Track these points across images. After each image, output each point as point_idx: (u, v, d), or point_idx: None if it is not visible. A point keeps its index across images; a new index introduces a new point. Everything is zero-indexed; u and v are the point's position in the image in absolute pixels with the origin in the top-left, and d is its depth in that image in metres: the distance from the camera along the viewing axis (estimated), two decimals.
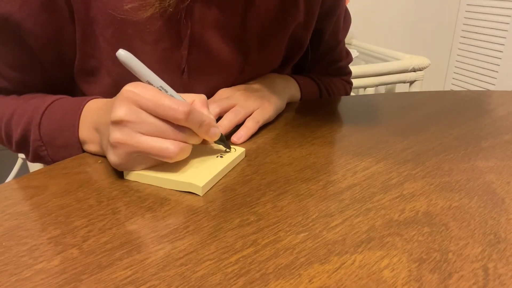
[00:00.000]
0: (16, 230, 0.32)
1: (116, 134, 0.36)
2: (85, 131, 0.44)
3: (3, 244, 0.30)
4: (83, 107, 0.46)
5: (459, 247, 0.30)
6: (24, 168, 1.29)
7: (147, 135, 0.36)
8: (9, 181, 0.39)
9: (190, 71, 0.52)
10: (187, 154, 0.38)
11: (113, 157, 0.37)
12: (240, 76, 0.57)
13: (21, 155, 1.25)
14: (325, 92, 0.70)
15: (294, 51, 0.63)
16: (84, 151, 0.46)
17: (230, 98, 0.52)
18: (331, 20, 0.65)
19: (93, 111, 0.45)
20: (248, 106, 0.51)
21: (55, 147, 0.47)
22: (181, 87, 0.52)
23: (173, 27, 0.48)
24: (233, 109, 0.50)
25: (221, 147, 0.44)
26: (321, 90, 0.69)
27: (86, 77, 0.52)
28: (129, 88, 0.36)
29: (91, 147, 0.44)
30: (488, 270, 0.28)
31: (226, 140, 0.43)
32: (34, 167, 1.26)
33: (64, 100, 0.49)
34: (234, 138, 0.48)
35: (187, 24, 0.49)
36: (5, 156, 1.41)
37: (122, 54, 0.36)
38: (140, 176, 0.39)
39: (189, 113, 0.36)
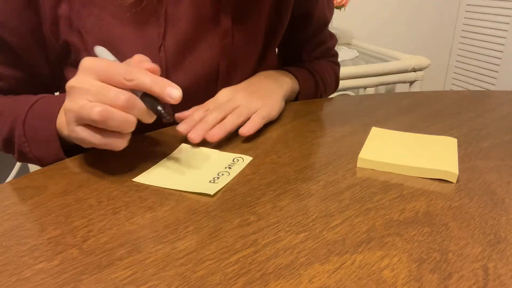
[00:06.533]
0: (16, 230, 0.32)
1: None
2: (61, 118, 0.45)
3: (3, 244, 0.30)
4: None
5: (459, 247, 0.30)
6: (24, 168, 1.29)
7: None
8: (9, 181, 0.39)
9: (167, 49, 0.52)
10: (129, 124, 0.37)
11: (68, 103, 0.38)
12: (221, 56, 0.57)
13: None
14: (320, 82, 0.70)
15: (276, 28, 0.63)
16: (64, 148, 0.46)
17: (232, 101, 0.52)
18: (316, 1, 0.66)
19: None
20: (252, 107, 0.51)
21: (37, 143, 0.48)
22: (159, 65, 0.52)
23: (149, 6, 0.49)
24: (236, 110, 0.50)
25: (230, 158, 0.44)
26: (316, 80, 0.70)
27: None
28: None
29: (64, 131, 0.44)
30: (488, 270, 0.28)
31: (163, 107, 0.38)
32: (34, 167, 1.26)
33: (49, 97, 0.50)
34: (242, 129, 0.48)
35: (162, 2, 0.49)
36: (5, 156, 1.41)
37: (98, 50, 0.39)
38: (151, 180, 0.39)
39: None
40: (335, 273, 0.27)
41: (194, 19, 0.53)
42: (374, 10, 1.99)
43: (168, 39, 0.52)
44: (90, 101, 0.35)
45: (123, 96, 0.35)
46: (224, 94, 0.54)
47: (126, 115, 0.36)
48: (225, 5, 0.54)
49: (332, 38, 0.77)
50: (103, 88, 0.36)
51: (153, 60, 0.51)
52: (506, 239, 0.31)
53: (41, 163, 0.50)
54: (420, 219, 0.33)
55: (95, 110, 0.35)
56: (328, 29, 0.75)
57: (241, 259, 0.28)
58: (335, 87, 0.77)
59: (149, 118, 0.38)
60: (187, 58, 0.54)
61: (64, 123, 0.44)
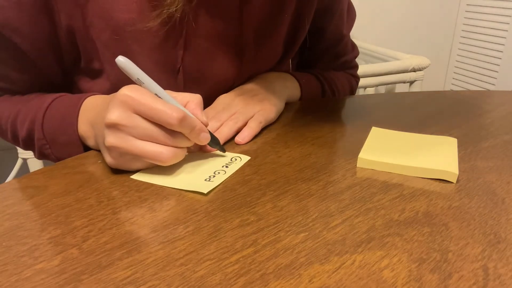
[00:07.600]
0: (16, 230, 0.32)
1: (110, 138, 0.37)
2: (83, 127, 0.46)
3: (3, 244, 0.30)
4: (81, 105, 0.47)
5: (459, 247, 0.30)
6: (24, 168, 1.29)
7: (139, 139, 0.37)
8: (9, 181, 0.39)
9: (185, 71, 0.52)
10: (180, 158, 0.39)
11: (109, 159, 0.39)
12: (238, 75, 0.57)
13: (21, 155, 1.25)
14: (328, 90, 0.69)
15: (291, 44, 0.63)
16: (85, 148, 0.47)
17: (229, 108, 0.51)
18: (331, 17, 0.65)
19: (90, 108, 0.46)
20: (249, 111, 0.51)
21: (58, 145, 0.49)
22: (176, 87, 0.52)
23: (169, 28, 0.49)
24: (233, 116, 0.50)
25: (228, 157, 0.44)
26: (324, 88, 0.69)
27: (89, 78, 0.53)
28: (125, 92, 0.37)
29: (88, 141, 0.46)
30: (488, 270, 0.28)
31: (220, 144, 0.44)
32: (34, 167, 1.26)
33: (64, 98, 0.50)
34: (238, 138, 0.48)
35: (183, 25, 0.49)
36: (5, 156, 1.41)
37: (121, 60, 0.38)
38: (150, 177, 0.39)
39: (182, 119, 0.36)
40: (335, 273, 0.27)
41: (214, 42, 0.53)
42: (374, 10, 1.99)
43: (186, 61, 0.51)
44: (139, 139, 0.37)
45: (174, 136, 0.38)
46: (221, 102, 0.53)
47: (183, 151, 0.40)
48: (247, 26, 0.54)
49: (354, 50, 0.75)
50: (150, 129, 0.37)
51: (170, 81, 0.52)
52: (506, 239, 0.31)
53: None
54: (420, 219, 0.33)
55: (165, 156, 0.37)
56: (349, 41, 0.73)
57: (241, 259, 0.28)
58: None
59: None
60: (203, 78, 0.54)
61: (89, 134, 0.45)
